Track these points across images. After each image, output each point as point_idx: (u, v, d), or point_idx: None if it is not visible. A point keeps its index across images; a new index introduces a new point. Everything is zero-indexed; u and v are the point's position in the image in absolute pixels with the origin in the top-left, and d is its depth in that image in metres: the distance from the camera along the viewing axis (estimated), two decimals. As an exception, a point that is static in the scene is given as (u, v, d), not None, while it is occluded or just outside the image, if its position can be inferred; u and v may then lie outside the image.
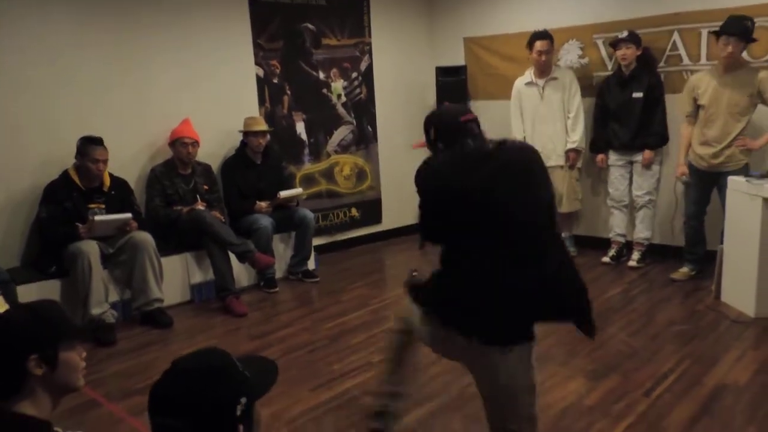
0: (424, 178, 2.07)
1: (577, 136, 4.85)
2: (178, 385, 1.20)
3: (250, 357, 1.37)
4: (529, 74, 4.98)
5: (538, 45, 4.76)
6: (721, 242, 3.93)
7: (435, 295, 2.07)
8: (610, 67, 4.93)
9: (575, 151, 4.88)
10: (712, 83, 4.01)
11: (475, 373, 2.14)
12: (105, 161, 3.84)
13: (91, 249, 3.66)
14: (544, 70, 4.88)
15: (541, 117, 4.96)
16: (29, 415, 1.47)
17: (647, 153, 4.55)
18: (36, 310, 1.55)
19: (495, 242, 1.94)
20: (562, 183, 4.99)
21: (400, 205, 5.97)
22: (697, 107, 4.13)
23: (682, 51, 4.59)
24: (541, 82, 4.92)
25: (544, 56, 4.78)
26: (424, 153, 2.18)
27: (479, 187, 1.94)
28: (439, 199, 2.02)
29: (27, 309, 1.56)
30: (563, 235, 5.06)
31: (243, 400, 1.21)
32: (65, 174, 3.85)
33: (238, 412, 1.20)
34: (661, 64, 4.66)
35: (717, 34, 3.91)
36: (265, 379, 1.32)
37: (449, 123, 2.14)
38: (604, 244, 5.00)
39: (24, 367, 1.46)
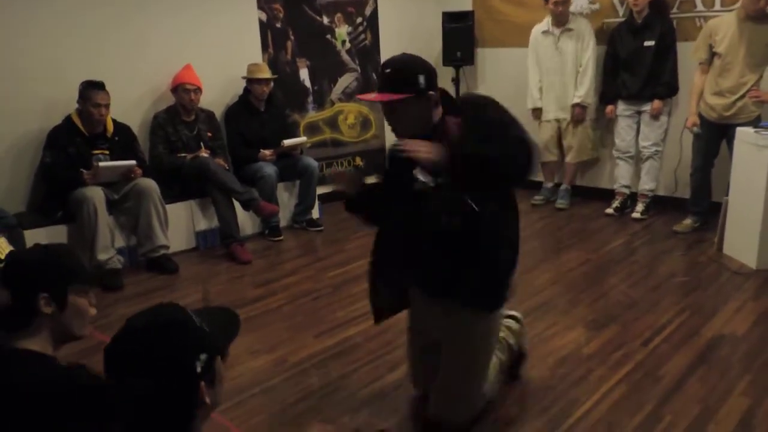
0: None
1: (582, 91, 4.77)
2: (133, 343, 1.14)
3: (210, 310, 1.30)
4: (546, 22, 4.86)
5: None
6: (727, 194, 3.91)
7: None
8: (621, 14, 4.80)
9: (580, 106, 4.81)
10: (730, 30, 3.89)
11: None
12: (107, 106, 3.80)
13: (96, 195, 3.68)
14: (561, 20, 4.76)
15: (554, 68, 4.87)
16: (33, 350, 1.52)
17: (656, 103, 4.48)
18: (49, 250, 1.60)
19: None
20: (573, 132, 4.95)
21: (405, 154, 5.93)
22: (713, 55, 4.02)
23: (696, -3, 4.46)
24: (557, 31, 4.81)
25: (561, 7, 4.66)
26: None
27: None
28: None
29: (42, 249, 1.61)
30: (562, 186, 5.07)
31: (203, 356, 1.15)
32: (68, 119, 3.82)
33: (198, 369, 1.13)
34: (674, 9, 4.54)
35: None
36: (226, 333, 1.25)
37: (434, 70, 2.04)
38: (608, 195, 4.99)
39: (35, 304, 1.51)
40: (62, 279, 1.56)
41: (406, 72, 1.99)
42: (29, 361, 1.50)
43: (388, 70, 2.01)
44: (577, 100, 4.80)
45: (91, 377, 1.47)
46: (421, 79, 1.98)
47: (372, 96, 2.07)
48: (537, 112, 5.07)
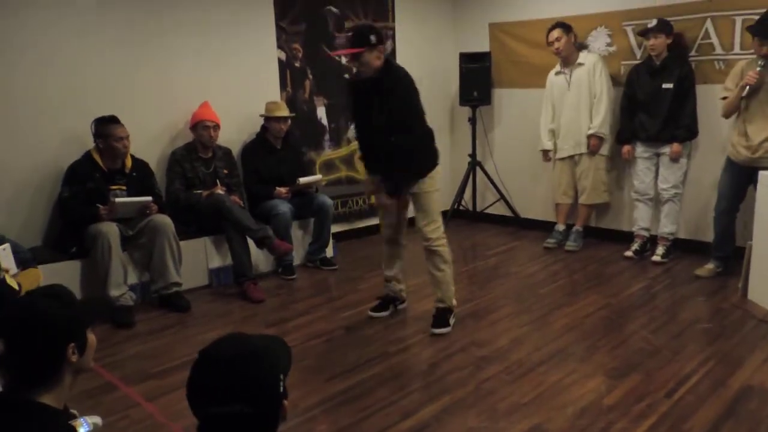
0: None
1: (598, 121, 4.76)
2: (223, 373, 1.22)
3: (263, 336, 1.39)
4: (559, 64, 4.93)
5: (550, 36, 4.79)
6: (751, 239, 3.81)
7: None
8: (639, 56, 4.79)
9: (596, 137, 4.79)
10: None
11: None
12: (128, 137, 3.85)
13: (111, 230, 3.68)
14: (566, 59, 4.83)
15: (568, 104, 4.90)
16: (47, 405, 1.47)
17: (676, 146, 4.43)
18: (63, 298, 1.55)
19: None
20: (587, 173, 4.91)
21: (420, 193, 5.92)
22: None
23: (714, 39, 4.44)
24: (567, 70, 4.86)
25: (556, 44, 4.76)
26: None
27: None
28: None
29: (61, 297, 1.55)
30: (574, 228, 5.02)
31: (281, 376, 1.28)
32: (88, 155, 3.86)
33: (282, 389, 1.27)
34: (692, 52, 4.52)
35: (752, 34, 3.79)
36: (287, 356, 1.37)
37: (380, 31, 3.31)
38: (624, 237, 4.90)
39: (63, 357, 1.48)
40: (84, 325, 1.55)
41: (364, 32, 3.16)
42: (44, 420, 1.45)
43: (350, 34, 3.25)
44: (592, 131, 4.78)
45: None
46: (372, 37, 3.13)
47: (342, 51, 3.33)
48: (546, 154, 5.09)
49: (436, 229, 3.45)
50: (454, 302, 3.55)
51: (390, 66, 3.30)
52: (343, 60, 5.07)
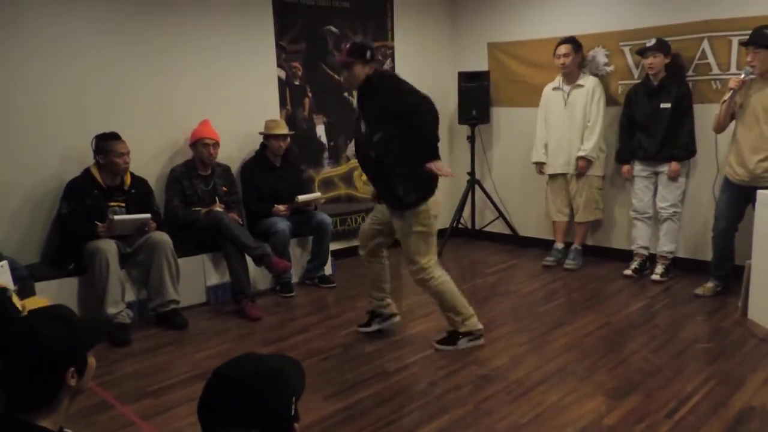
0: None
1: (589, 145, 4.79)
2: (237, 393, 1.22)
3: (278, 357, 1.40)
4: (558, 80, 4.96)
5: (559, 49, 4.81)
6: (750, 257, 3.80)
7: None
8: (636, 75, 4.83)
9: (584, 159, 4.81)
10: (748, 92, 3.89)
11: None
12: (128, 153, 3.87)
13: (109, 248, 3.67)
14: (569, 75, 4.85)
15: (562, 123, 4.92)
16: (44, 427, 1.45)
17: (674, 165, 4.45)
18: (70, 321, 1.53)
19: None
20: (581, 191, 4.92)
21: (419, 211, 5.91)
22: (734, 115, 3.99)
23: (711, 60, 4.48)
24: (567, 88, 4.88)
25: (563, 59, 4.78)
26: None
27: None
28: None
29: (63, 320, 1.52)
30: (573, 246, 5.02)
31: (293, 399, 1.28)
32: (87, 171, 3.86)
33: (293, 412, 1.27)
34: (690, 72, 4.56)
35: (745, 46, 3.83)
36: (301, 379, 1.37)
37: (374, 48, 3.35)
38: (623, 255, 4.90)
39: (63, 380, 1.46)
40: (83, 348, 1.53)
41: (361, 49, 3.24)
42: None
43: (348, 45, 3.26)
44: (582, 153, 4.80)
45: None
46: (368, 53, 3.22)
47: (339, 57, 3.31)
48: (540, 166, 5.13)
49: (418, 270, 3.33)
50: (468, 325, 3.43)
51: (372, 76, 3.26)
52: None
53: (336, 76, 5.24)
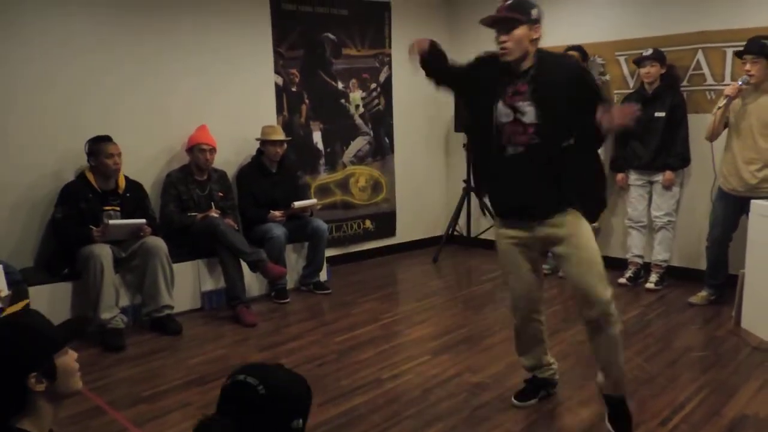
0: None
1: None
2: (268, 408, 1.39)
3: (288, 373, 1.53)
4: None
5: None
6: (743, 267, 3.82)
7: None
8: (631, 85, 4.86)
9: None
10: (743, 102, 3.92)
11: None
12: (119, 155, 3.86)
13: (103, 252, 3.66)
14: None
15: None
16: (26, 430, 1.44)
17: (668, 174, 4.47)
18: (23, 326, 1.49)
19: None
20: None
21: (415, 219, 5.93)
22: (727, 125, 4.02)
23: (706, 70, 4.52)
24: None
25: None
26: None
27: None
28: None
29: (13, 327, 1.50)
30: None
31: (300, 421, 1.43)
32: (82, 175, 3.86)
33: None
34: (684, 83, 4.59)
35: (740, 56, 3.86)
36: (307, 399, 1.50)
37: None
38: (617, 264, 4.91)
39: (25, 387, 1.43)
40: (45, 352, 1.46)
41: (524, 4, 2.38)
42: None
43: (509, 2, 2.39)
44: None
45: None
46: (534, 12, 2.38)
47: (494, 13, 2.42)
48: None
49: (607, 304, 2.64)
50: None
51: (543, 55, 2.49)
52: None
53: (333, 83, 5.26)
